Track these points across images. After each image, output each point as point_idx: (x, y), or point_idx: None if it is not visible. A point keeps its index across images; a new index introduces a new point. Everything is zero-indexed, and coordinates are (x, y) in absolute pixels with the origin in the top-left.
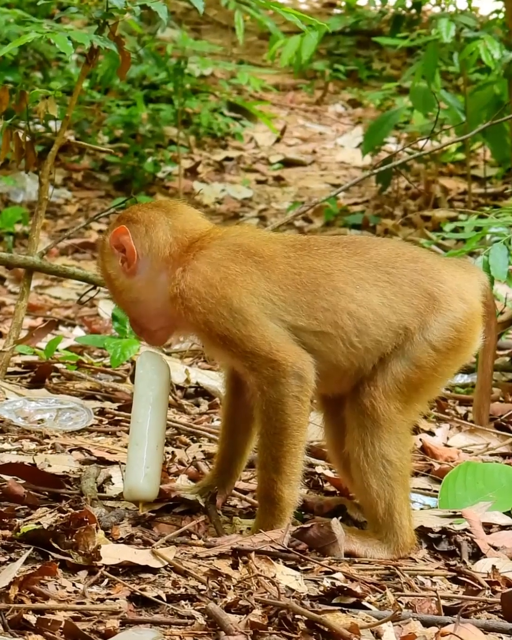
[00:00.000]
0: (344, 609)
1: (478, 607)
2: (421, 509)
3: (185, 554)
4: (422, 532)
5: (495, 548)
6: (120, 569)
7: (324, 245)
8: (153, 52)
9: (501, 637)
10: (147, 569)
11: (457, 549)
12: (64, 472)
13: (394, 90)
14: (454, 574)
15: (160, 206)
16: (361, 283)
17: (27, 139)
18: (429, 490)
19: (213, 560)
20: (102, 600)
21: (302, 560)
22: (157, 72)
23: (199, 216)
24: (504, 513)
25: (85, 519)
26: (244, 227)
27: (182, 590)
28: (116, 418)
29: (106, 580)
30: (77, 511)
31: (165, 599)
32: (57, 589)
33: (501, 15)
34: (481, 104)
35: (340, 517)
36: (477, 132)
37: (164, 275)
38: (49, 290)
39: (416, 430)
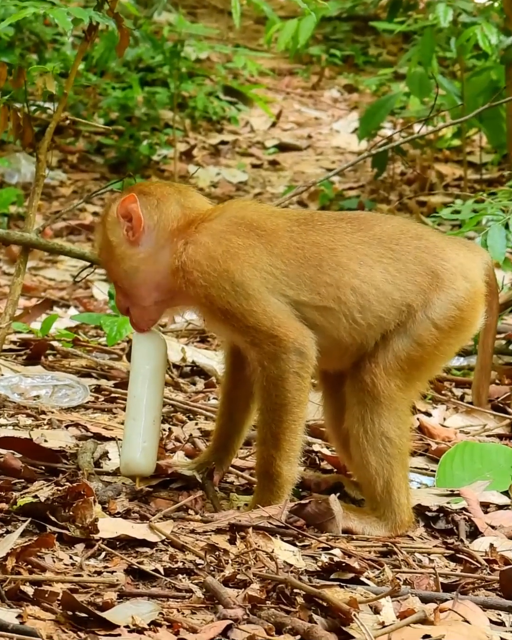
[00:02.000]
0: (342, 584)
1: (476, 585)
2: (418, 488)
3: (183, 528)
4: (420, 511)
5: (492, 527)
6: (117, 543)
7: (328, 221)
8: (149, 35)
9: (500, 614)
10: (144, 543)
11: (454, 528)
12: (60, 447)
13: (390, 75)
14: (452, 552)
15: (173, 185)
16: (364, 259)
17: (24, 116)
18: (426, 469)
19: (210, 535)
20: (99, 573)
21: (300, 536)
22: (153, 55)
23: (206, 200)
24: (501, 492)
25: (82, 492)
26: (246, 201)
27: (180, 564)
28: (112, 395)
29: (103, 554)
30: (75, 484)
31: (162, 573)
32: (55, 562)
33: (498, 2)
34: (477, 90)
35: (338, 495)
36: (474, 117)
37: (167, 249)
38: (43, 271)
39: (413, 410)
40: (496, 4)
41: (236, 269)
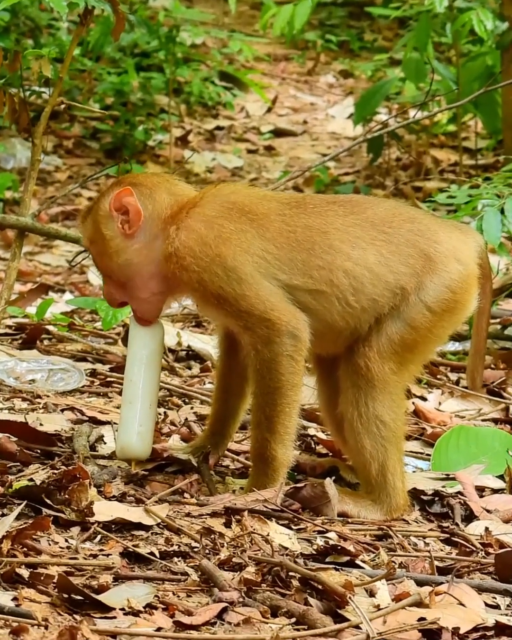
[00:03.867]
0: (337, 567)
1: (471, 568)
2: (414, 472)
3: (178, 512)
4: (415, 495)
5: (488, 511)
6: (113, 526)
7: (320, 204)
8: (145, 20)
9: (495, 597)
10: (140, 526)
11: (450, 512)
12: (56, 431)
13: (386, 61)
14: (447, 535)
15: (159, 175)
16: (357, 242)
17: (20, 100)
18: (421, 453)
19: (206, 518)
20: (94, 556)
21: (296, 519)
22: (149, 40)
23: (192, 188)
24: (496, 476)
25: (78, 476)
26: (236, 185)
27: (175, 547)
28: (108, 379)
29: (99, 537)
30: (70, 468)
31: (158, 556)
32: (50, 544)
33: None
34: (473, 75)
35: (333, 478)
36: (469, 102)
37: (160, 237)
38: (38, 256)
39: (409, 394)
40: None
41: (228, 253)
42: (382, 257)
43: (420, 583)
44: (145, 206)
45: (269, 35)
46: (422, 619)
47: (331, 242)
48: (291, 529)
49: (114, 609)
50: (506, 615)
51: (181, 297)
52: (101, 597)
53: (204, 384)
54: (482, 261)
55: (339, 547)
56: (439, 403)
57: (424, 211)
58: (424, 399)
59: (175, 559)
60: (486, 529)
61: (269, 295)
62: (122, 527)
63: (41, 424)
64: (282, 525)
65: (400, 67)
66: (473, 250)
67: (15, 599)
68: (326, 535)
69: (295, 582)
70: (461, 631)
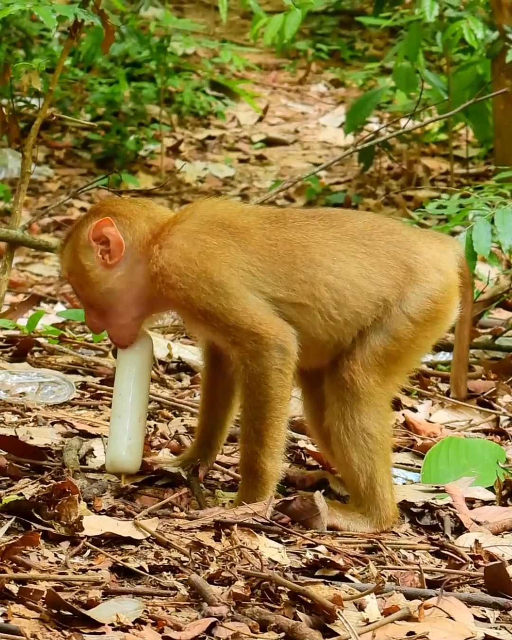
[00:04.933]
0: (326, 581)
1: (461, 581)
2: (404, 484)
3: (168, 526)
4: (405, 507)
5: (478, 523)
6: (102, 540)
7: (300, 218)
8: (136, 30)
9: (484, 610)
10: (129, 540)
11: (439, 524)
12: (46, 444)
13: (377, 70)
14: (437, 548)
15: (136, 202)
16: (338, 255)
17: (10, 112)
18: (411, 465)
19: (195, 532)
20: (84, 571)
21: (285, 533)
22: (140, 50)
23: (169, 211)
24: (486, 488)
25: (67, 490)
26: (214, 199)
27: (165, 561)
28: (98, 392)
29: (88, 551)
30: (60, 482)
31: (147, 570)
32: (39, 559)
33: None
34: (463, 84)
35: (323, 491)
36: (460, 111)
37: (142, 260)
38: (30, 267)
39: (399, 406)
40: None
41: (214, 268)
42: (364, 269)
43: (409, 596)
44: (125, 236)
45: (259, 44)
46: (411, 633)
47: (312, 256)
48: (280, 542)
49: (103, 624)
50: (496, 628)
51: (161, 316)
52: (90, 613)
53: (195, 395)
54: (462, 270)
55: (328, 561)
56: (430, 414)
57: (403, 223)
58: (414, 410)
59: (165, 574)
60: (476, 541)
61: (256, 308)
62: (111, 541)
63: (31, 438)
64: (271, 538)
65: (391, 76)
66: (453, 259)
67: (4, 614)
68: (316, 548)
69: (284, 597)
70: None
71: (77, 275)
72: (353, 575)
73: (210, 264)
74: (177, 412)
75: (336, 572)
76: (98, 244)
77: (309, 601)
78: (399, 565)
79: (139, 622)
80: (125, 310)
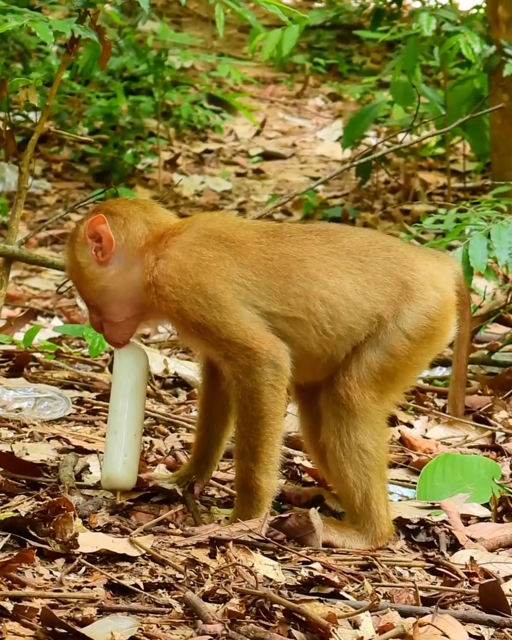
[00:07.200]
0: (321, 598)
1: (456, 598)
2: (399, 500)
3: (163, 542)
4: (400, 523)
5: (473, 539)
6: (97, 557)
7: (296, 232)
8: (134, 44)
9: (479, 628)
10: (124, 557)
11: (435, 541)
12: (41, 460)
13: (374, 84)
14: (432, 565)
15: (137, 203)
16: (333, 270)
17: (7, 127)
18: (407, 481)
19: (191, 549)
20: (79, 588)
21: (280, 550)
22: (138, 64)
23: (172, 215)
24: (482, 505)
25: (63, 507)
26: (213, 213)
27: (160, 578)
28: (94, 407)
29: (83, 568)
30: (55, 499)
31: (142, 588)
32: (34, 577)
33: (481, 10)
34: (461, 98)
35: (318, 508)
36: (457, 126)
37: (137, 265)
38: (27, 280)
39: (395, 422)
40: (480, 12)
41: (208, 282)
42: (359, 285)
43: (404, 614)
44: (118, 235)
45: (257, 58)
46: None
47: (307, 271)
48: (275, 559)
49: None
50: None
51: (156, 323)
52: (85, 630)
53: (191, 411)
54: (460, 288)
55: (323, 578)
56: (426, 430)
57: (401, 239)
58: (410, 425)
59: (160, 591)
60: (471, 558)
61: (250, 323)
62: (106, 558)
63: (27, 454)
64: (266, 555)
65: (388, 90)
66: (450, 277)
67: None
68: (311, 565)
69: (279, 614)
70: None
71: (75, 272)
72: (348, 593)
73: (205, 276)
74: (173, 428)
75: (331, 589)
76: (93, 241)
77: (303, 619)
78: (394, 582)
79: None
80: (121, 309)
